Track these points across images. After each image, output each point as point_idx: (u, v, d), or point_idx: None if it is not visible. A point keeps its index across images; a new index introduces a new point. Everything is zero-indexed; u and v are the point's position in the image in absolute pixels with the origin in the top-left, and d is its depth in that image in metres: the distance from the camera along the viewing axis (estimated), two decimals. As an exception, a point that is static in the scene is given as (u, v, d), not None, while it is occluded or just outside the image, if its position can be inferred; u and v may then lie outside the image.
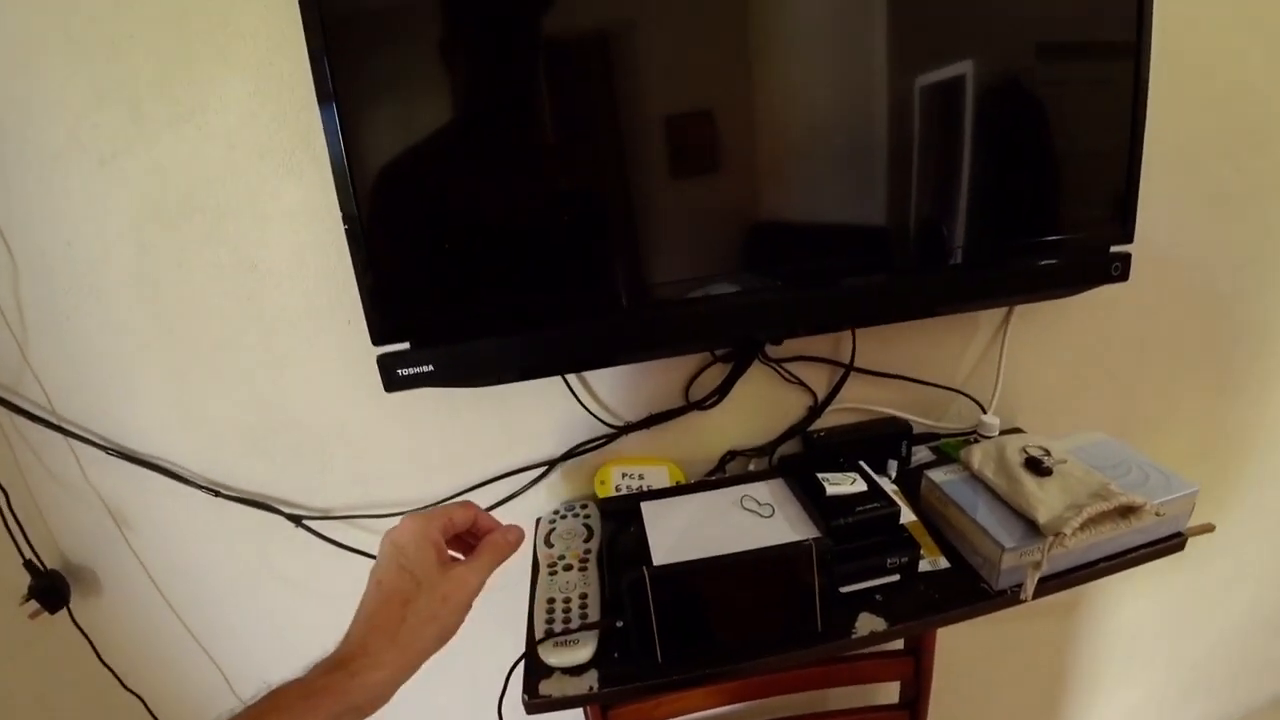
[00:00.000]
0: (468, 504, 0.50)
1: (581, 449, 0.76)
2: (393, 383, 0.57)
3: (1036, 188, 0.67)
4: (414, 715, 0.63)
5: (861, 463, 0.66)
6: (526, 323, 0.59)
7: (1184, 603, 1.14)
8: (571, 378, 0.72)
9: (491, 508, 0.76)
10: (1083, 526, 0.55)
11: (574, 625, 0.56)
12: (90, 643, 0.78)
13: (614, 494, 0.75)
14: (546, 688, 0.54)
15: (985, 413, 0.81)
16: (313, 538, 0.75)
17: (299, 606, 0.81)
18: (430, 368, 0.57)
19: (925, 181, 0.63)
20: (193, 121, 0.61)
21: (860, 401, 0.80)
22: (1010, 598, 0.58)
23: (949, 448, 0.79)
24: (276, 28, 0.58)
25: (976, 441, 0.74)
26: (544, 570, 0.64)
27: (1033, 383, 0.85)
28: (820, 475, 0.62)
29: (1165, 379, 0.91)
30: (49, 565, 0.76)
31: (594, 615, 0.58)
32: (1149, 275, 0.70)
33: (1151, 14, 0.61)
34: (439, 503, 0.75)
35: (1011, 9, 0.61)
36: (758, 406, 0.78)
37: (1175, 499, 0.61)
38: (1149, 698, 1.26)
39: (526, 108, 0.56)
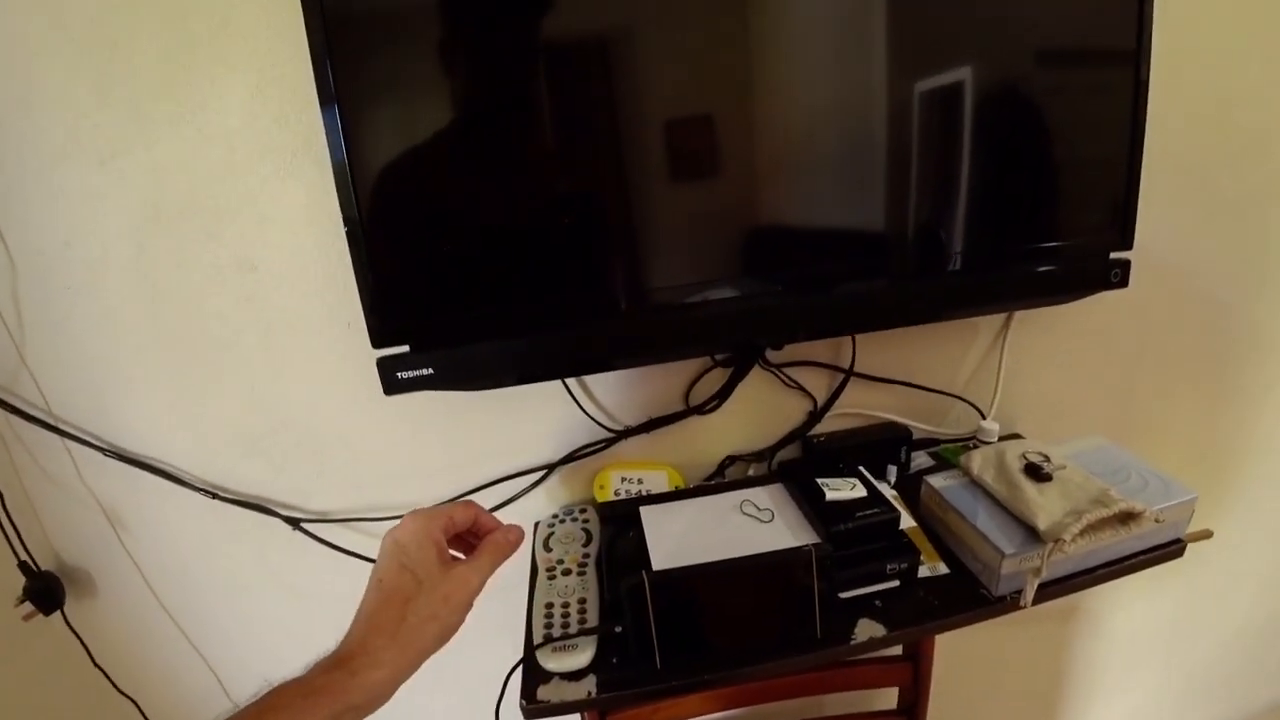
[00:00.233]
0: (469, 503, 0.50)
1: (580, 453, 0.75)
2: (392, 385, 0.57)
3: (1036, 194, 0.67)
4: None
5: (861, 468, 0.66)
6: (526, 326, 0.59)
7: (1182, 608, 1.14)
8: (571, 381, 0.72)
9: (490, 511, 0.75)
10: (1083, 533, 0.55)
11: (572, 630, 0.56)
12: (84, 645, 0.77)
13: (613, 498, 0.75)
14: (545, 693, 0.53)
15: (985, 418, 0.81)
16: (310, 540, 0.75)
17: (296, 610, 0.81)
18: (430, 371, 0.57)
19: (924, 187, 0.63)
20: (193, 122, 0.61)
21: (860, 406, 0.80)
22: (1010, 604, 0.58)
23: (948, 453, 0.79)
24: (278, 29, 0.58)
25: (976, 447, 0.74)
26: (542, 574, 0.64)
27: (1032, 388, 0.85)
28: (820, 480, 0.62)
29: (1164, 384, 0.91)
30: (44, 567, 0.75)
31: (593, 620, 0.57)
32: (1148, 281, 0.70)
33: (1152, 21, 0.61)
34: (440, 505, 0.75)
35: (1011, 15, 0.61)
36: (757, 411, 0.78)
37: (1174, 505, 0.61)
38: (1147, 702, 1.26)
39: (527, 111, 0.56)
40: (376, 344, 0.56)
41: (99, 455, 0.70)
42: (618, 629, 0.55)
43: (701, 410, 0.76)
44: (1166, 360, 0.89)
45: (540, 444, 0.75)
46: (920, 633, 0.61)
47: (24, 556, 0.73)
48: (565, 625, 0.57)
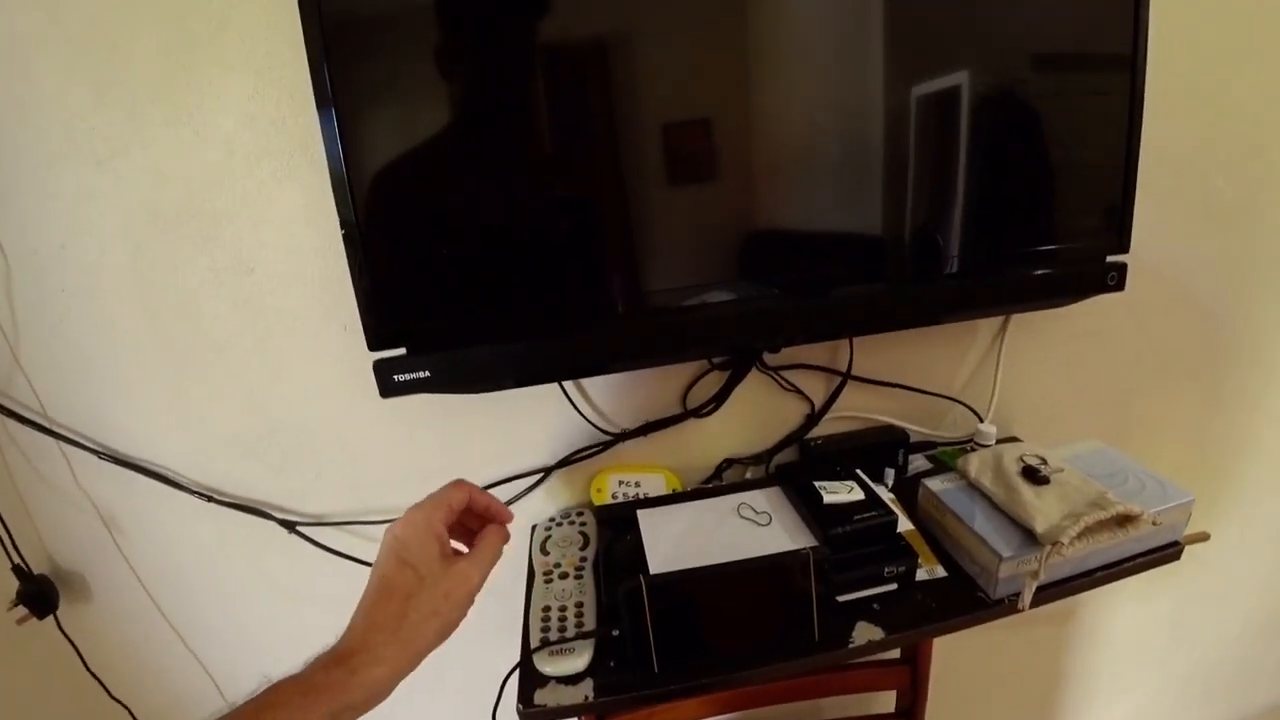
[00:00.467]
0: (461, 483, 0.49)
1: (578, 456, 0.75)
2: (389, 388, 0.57)
3: (1032, 198, 0.67)
4: (407, 724, 0.62)
5: (859, 471, 0.66)
6: (523, 329, 0.58)
7: (1179, 610, 1.14)
8: (568, 384, 0.72)
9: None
10: (1080, 536, 0.55)
11: (569, 634, 0.56)
12: (77, 650, 0.77)
13: (610, 501, 0.74)
14: (541, 697, 0.53)
15: (982, 421, 0.81)
16: (306, 544, 0.74)
17: (292, 613, 0.80)
18: (426, 374, 0.56)
19: (921, 191, 0.63)
20: (190, 124, 0.61)
21: (857, 410, 0.80)
22: (1008, 607, 0.58)
23: (946, 456, 0.79)
24: (276, 31, 0.58)
25: (973, 450, 0.74)
26: (540, 578, 0.63)
27: (1029, 391, 0.85)
28: (817, 484, 0.62)
29: (1160, 387, 0.91)
30: (38, 570, 0.75)
31: (590, 624, 0.57)
32: (1145, 285, 0.70)
33: (1148, 26, 0.62)
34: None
35: (1008, 20, 0.62)
36: (755, 414, 0.78)
37: (1171, 508, 0.61)
38: (1145, 705, 1.26)
39: (523, 114, 0.56)
40: (373, 346, 0.56)
41: (94, 458, 0.70)
42: (615, 633, 0.54)
43: (699, 413, 0.75)
44: (1163, 363, 0.90)
45: (537, 447, 0.75)
46: (918, 636, 0.60)
47: (17, 560, 0.72)
48: (562, 629, 0.57)
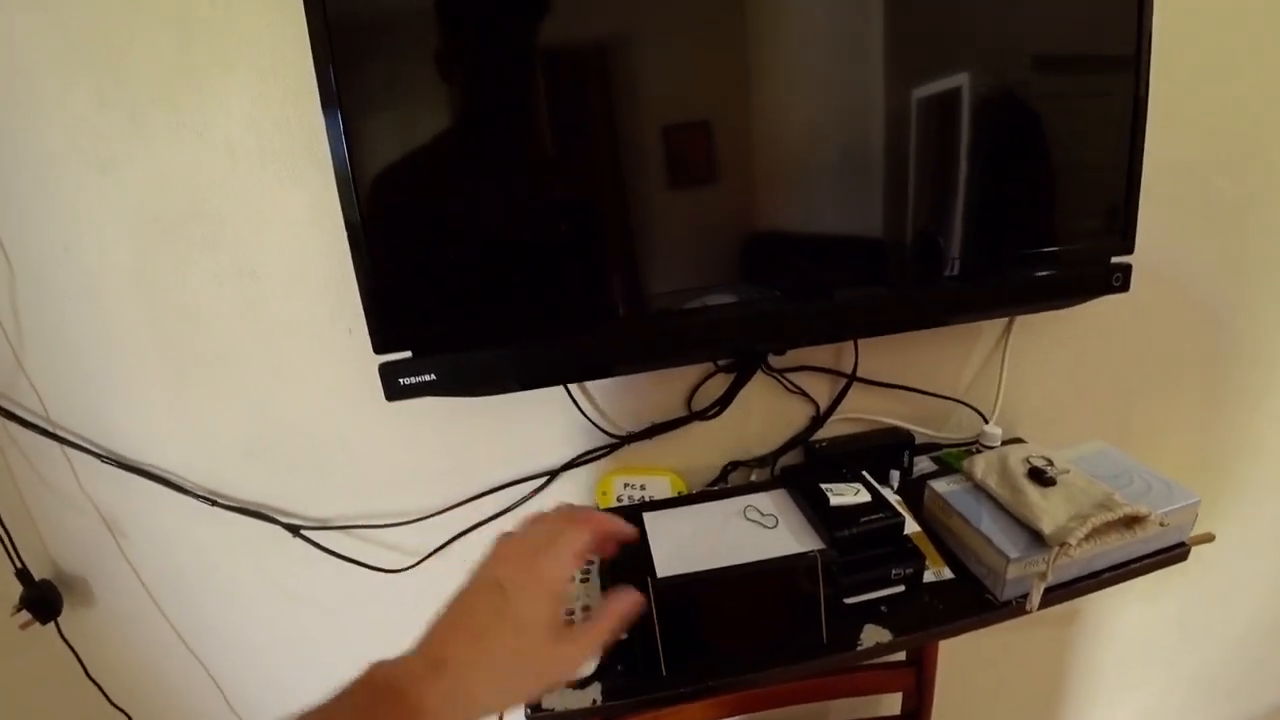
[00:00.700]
0: (576, 520, 0.42)
1: (583, 459, 0.75)
2: (394, 392, 0.56)
3: (1035, 199, 0.67)
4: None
5: (864, 473, 0.65)
6: (528, 332, 0.58)
7: (1184, 611, 1.14)
8: (573, 387, 0.72)
9: (493, 518, 0.76)
10: (1088, 537, 0.55)
11: (576, 637, 0.56)
12: (77, 657, 0.77)
13: (616, 504, 0.74)
14: (549, 701, 0.53)
15: (987, 423, 0.81)
16: (311, 548, 0.74)
17: (296, 617, 0.80)
18: (432, 377, 0.56)
19: (922, 193, 0.63)
20: (194, 127, 0.61)
21: (862, 411, 0.80)
22: (1015, 608, 0.58)
23: (951, 458, 0.79)
24: (279, 34, 0.58)
25: (979, 452, 0.74)
26: (545, 581, 0.63)
27: (1034, 392, 0.85)
28: (823, 486, 0.62)
29: (1165, 388, 0.91)
30: (41, 575, 0.75)
31: (596, 627, 0.57)
32: (1149, 286, 0.70)
33: (1151, 28, 0.62)
34: (438, 514, 0.74)
35: (1009, 21, 0.62)
36: (760, 417, 0.78)
37: (1178, 509, 0.61)
38: (1151, 706, 1.25)
39: (527, 117, 0.56)
40: (378, 350, 0.56)
41: (97, 462, 0.70)
42: (622, 636, 0.54)
43: (704, 416, 0.75)
44: (1168, 363, 0.90)
45: (543, 450, 0.75)
46: (926, 638, 0.60)
47: (20, 565, 0.72)
48: (569, 633, 0.56)
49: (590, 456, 0.75)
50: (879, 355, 0.77)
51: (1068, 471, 0.63)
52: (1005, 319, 0.80)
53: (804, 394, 0.78)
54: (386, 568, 0.75)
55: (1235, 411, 0.97)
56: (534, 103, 0.56)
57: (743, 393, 0.75)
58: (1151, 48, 0.62)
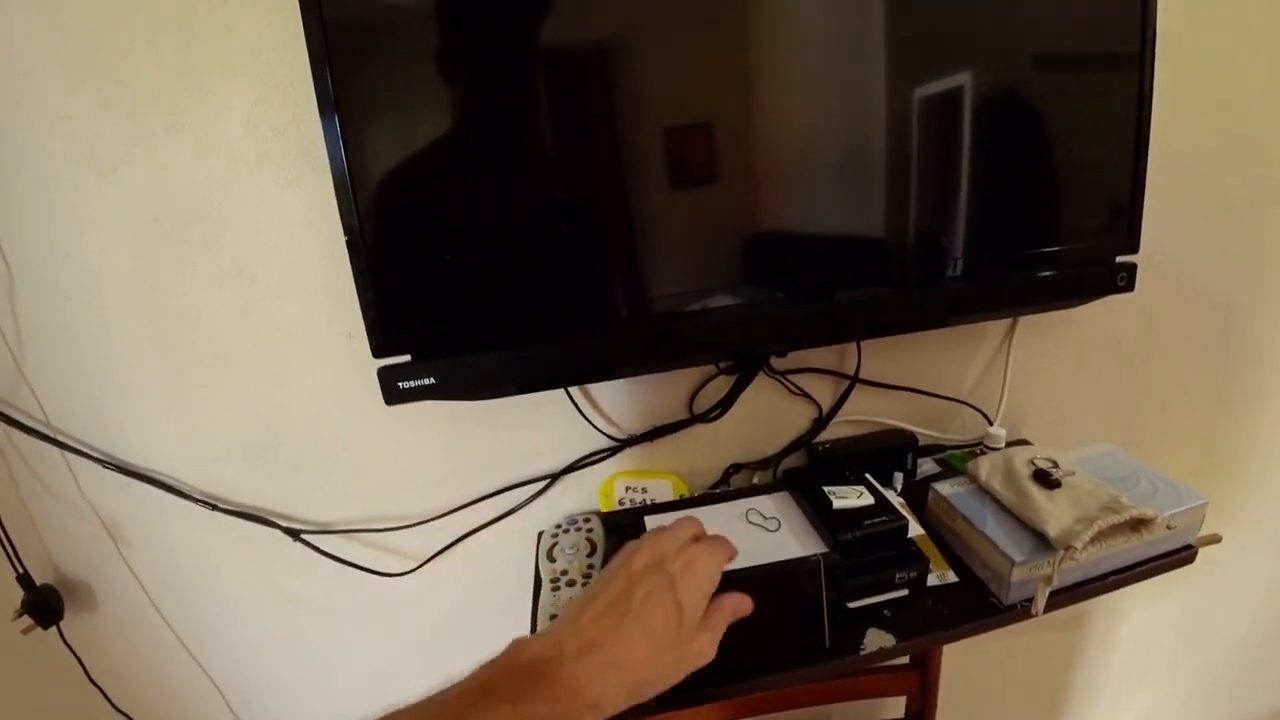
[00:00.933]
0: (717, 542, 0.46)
1: (584, 462, 0.75)
2: (393, 395, 0.56)
3: (1039, 199, 0.67)
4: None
5: (868, 475, 0.65)
6: (528, 335, 0.58)
7: (1190, 614, 1.13)
8: (574, 390, 0.72)
9: (493, 521, 0.75)
10: (1094, 540, 0.55)
11: (578, 642, 0.55)
12: (79, 660, 0.76)
13: (617, 508, 0.74)
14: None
15: (991, 424, 0.81)
16: (311, 551, 0.74)
17: (297, 621, 0.80)
18: (432, 380, 0.56)
19: (925, 193, 0.62)
20: (193, 131, 0.61)
21: (865, 413, 0.79)
22: (1021, 612, 0.58)
23: (955, 460, 0.79)
24: (278, 36, 0.58)
25: (983, 453, 0.74)
26: (546, 586, 0.63)
27: (1039, 393, 0.84)
28: (826, 488, 0.61)
29: (1171, 388, 0.91)
30: (43, 580, 0.74)
31: (598, 632, 0.56)
32: (1155, 285, 0.70)
33: (1155, 25, 0.61)
34: (439, 517, 0.74)
35: (1012, 20, 0.61)
36: (762, 419, 0.77)
37: (1185, 511, 0.60)
38: (1156, 708, 1.25)
39: (526, 119, 0.56)
40: (377, 353, 0.56)
41: (97, 467, 0.70)
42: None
43: (705, 418, 0.75)
44: (1174, 364, 0.89)
45: (544, 453, 0.74)
46: (930, 642, 0.60)
47: (22, 570, 0.72)
48: (570, 637, 0.56)
49: (592, 459, 0.75)
50: (882, 357, 0.77)
51: (1073, 473, 0.62)
52: (1009, 319, 0.80)
53: (806, 396, 0.77)
54: (387, 572, 0.75)
55: (1242, 412, 0.96)
56: (536, 103, 0.55)
57: (745, 395, 0.74)
58: (1156, 44, 0.62)
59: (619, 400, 0.74)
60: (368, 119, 0.52)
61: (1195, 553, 0.63)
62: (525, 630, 0.59)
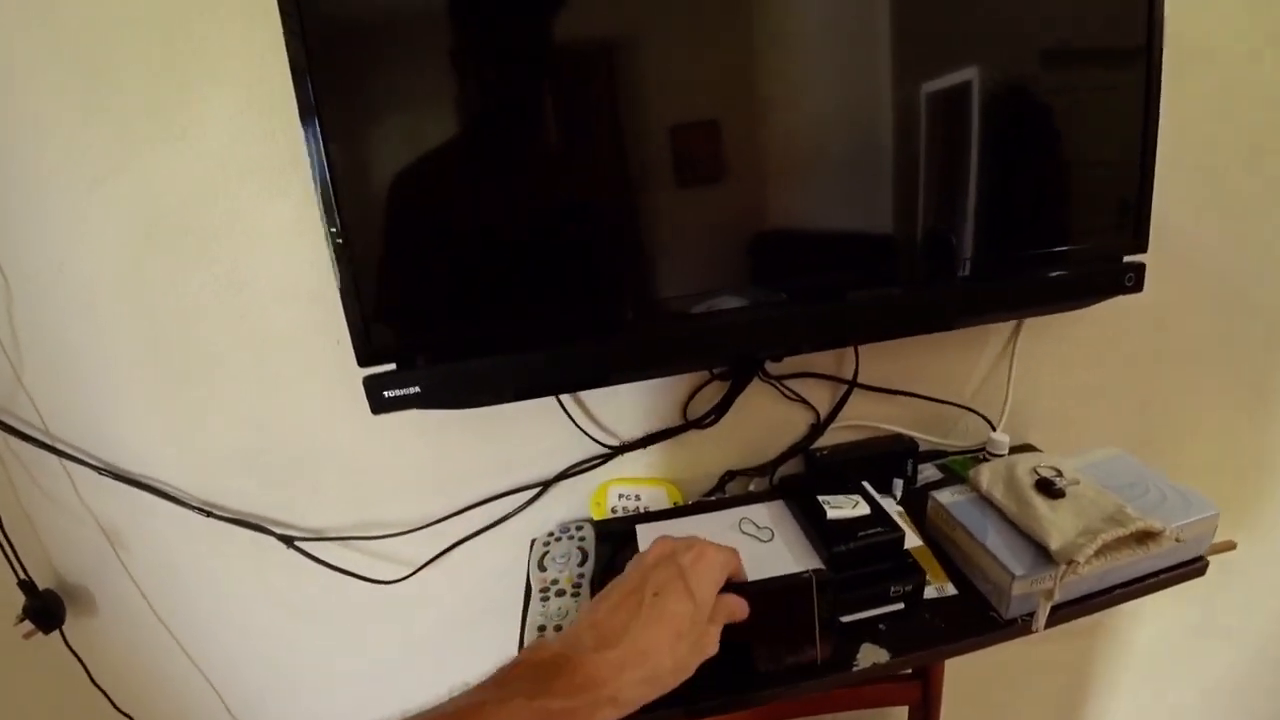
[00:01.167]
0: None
1: (577, 469, 0.74)
2: (379, 405, 0.56)
3: (1046, 197, 0.65)
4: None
5: (865, 484, 0.63)
6: (520, 342, 0.57)
7: (1204, 621, 1.10)
8: (566, 397, 0.71)
9: (486, 529, 0.75)
10: (1097, 554, 0.53)
11: (565, 655, 0.54)
12: (82, 664, 0.77)
13: (610, 515, 0.73)
14: None
15: (994, 429, 0.79)
16: (305, 558, 0.74)
17: (294, 626, 0.80)
18: (417, 389, 0.55)
19: (932, 192, 0.61)
20: (183, 140, 0.61)
21: (864, 419, 0.78)
22: (1021, 627, 0.56)
23: (957, 466, 0.77)
24: (264, 44, 0.58)
25: (985, 460, 0.72)
26: (536, 595, 0.62)
27: (1044, 397, 0.82)
28: (821, 498, 0.60)
29: (1182, 392, 0.88)
30: (44, 585, 0.75)
31: (586, 644, 0.56)
32: (1163, 285, 0.68)
33: (1163, 19, 0.59)
34: (431, 524, 0.74)
35: (1019, 15, 0.59)
36: (758, 425, 0.76)
37: (1195, 522, 0.58)
38: (1166, 716, 1.21)
39: (523, 120, 0.55)
40: (362, 362, 0.55)
41: (95, 474, 0.70)
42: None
43: (700, 424, 0.74)
44: (1184, 366, 0.86)
45: (536, 460, 0.74)
46: (926, 658, 0.58)
47: (23, 575, 0.73)
48: (558, 650, 0.55)
49: (584, 466, 0.74)
50: (881, 361, 0.75)
51: (1077, 482, 0.60)
52: (1013, 321, 0.78)
53: (803, 401, 0.76)
54: (381, 579, 0.75)
55: (1255, 414, 0.93)
56: (533, 103, 0.54)
57: (740, 400, 0.73)
58: (1164, 38, 0.59)
59: (613, 406, 0.73)
60: (352, 125, 0.52)
61: (1206, 565, 0.61)
62: (513, 642, 0.59)
